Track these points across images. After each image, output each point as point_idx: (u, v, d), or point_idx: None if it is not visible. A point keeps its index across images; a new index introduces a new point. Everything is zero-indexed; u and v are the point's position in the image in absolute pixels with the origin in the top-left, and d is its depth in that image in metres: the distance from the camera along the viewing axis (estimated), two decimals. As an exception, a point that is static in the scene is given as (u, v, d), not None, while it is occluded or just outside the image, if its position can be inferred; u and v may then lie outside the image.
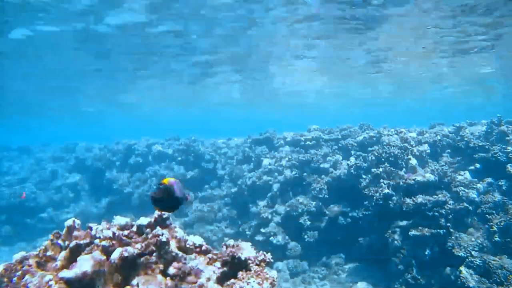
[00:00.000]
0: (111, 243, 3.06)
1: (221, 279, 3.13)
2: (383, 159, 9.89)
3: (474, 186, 9.39)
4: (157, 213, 3.45)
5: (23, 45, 12.08)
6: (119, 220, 3.40)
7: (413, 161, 9.81)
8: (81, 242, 3.14)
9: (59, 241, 3.22)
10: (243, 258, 3.16)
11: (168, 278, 3.08)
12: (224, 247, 3.38)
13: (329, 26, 11.04)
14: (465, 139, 10.54)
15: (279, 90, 24.98)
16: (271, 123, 20.63)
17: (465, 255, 7.96)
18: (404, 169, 9.72)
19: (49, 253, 3.13)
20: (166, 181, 2.94)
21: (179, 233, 3.44)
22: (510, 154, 9.57)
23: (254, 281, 2.93)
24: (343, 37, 12.30)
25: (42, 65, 15.16)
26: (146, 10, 9.33)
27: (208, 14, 9.73)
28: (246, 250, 3.25)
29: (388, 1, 8.95)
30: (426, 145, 10.63)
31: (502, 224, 8.19)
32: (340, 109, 41.91)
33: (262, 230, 10.80)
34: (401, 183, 9.05)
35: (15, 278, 2.85)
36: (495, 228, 8.26)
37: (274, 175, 12.28)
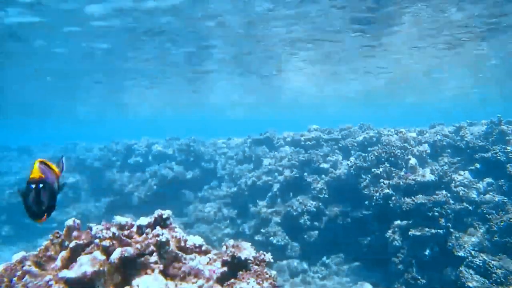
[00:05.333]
0: (111, 243, 3.06)
1: (221, 279, 3.13)
2: (383, 159, 9.90)
3: (474, 186, 9.40)
4: (157, 212, 3.44)
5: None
6: (119, 220, 3.39)
7: (413, 161, 9.81)
8: (81, 242, 3.14)
9: (59, 241, 3.22)
10: (243, 258, 3.16)
11: (168, 278, 3.08)
12: (224, 247, 3.38)
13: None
14: (465, 139, 10.54)
15: (281, 89, 24.96)
16: (271, 123, 20.62)
17: (465, 255, 7.97)
18: (404, 169, 9.72)
19: (49, 253, 3.13)
20: (36, 172, 2.18)
21: (179, 233, 3.43)
22: (510, 154, 9.58)
23: (254, 281, 2.93)
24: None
25: (44, 66, 15.16)
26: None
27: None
28: (246, 250, 3.25)
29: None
30: (426, 145, 10.63)
31: (502, 224, 8.19)
32: (340, 109, 41.90)
33: (262, 230, 10.80)
34: (401, 183, 9.05)
35: (15, 278, 2.85)
36: (495, 228, 8.26)
37: (274, 175, 12.27)
